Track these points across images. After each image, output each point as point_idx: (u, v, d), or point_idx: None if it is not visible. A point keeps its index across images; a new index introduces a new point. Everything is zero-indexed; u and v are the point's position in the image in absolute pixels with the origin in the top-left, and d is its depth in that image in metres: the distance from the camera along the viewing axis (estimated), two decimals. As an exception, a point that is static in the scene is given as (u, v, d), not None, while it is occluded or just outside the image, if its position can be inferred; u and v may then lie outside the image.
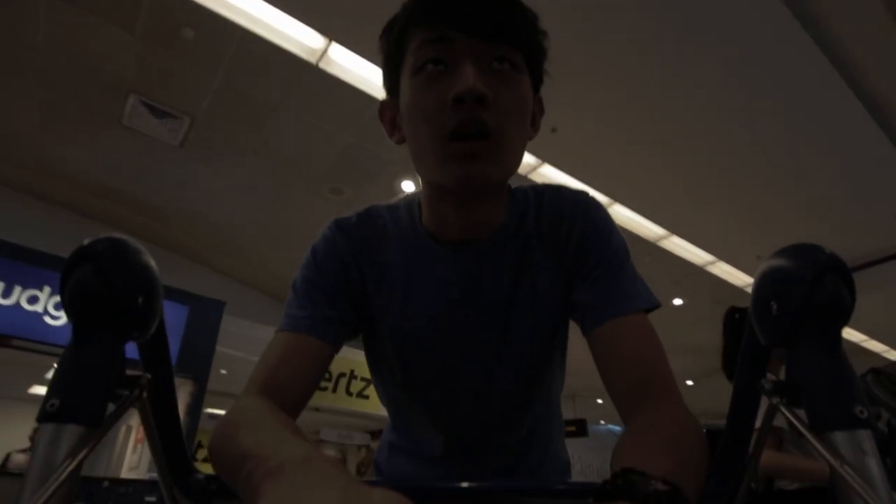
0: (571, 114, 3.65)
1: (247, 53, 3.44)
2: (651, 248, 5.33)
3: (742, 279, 5.78)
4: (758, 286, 0.43)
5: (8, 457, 4.50)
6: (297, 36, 3.28)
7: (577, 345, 0.67)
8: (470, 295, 0.61)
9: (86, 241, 0.39)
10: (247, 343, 5.26)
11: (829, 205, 4.55)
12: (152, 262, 0.42)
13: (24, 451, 4.49)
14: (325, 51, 3.36)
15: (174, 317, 5.26)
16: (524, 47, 0.53)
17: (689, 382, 9.10)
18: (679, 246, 5.40)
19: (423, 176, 0.57)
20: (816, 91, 3.40)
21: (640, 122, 3.75)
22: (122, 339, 0.40)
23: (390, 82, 0.58)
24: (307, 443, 0.36)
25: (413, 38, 0.53)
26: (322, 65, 3.46)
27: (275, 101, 3.91)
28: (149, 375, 0.42)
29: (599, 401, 9.68)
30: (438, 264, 0.60)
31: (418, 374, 0.65)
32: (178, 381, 5.43)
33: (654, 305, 0.57)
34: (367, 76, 3.49)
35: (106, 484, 4.04)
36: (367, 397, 6.87)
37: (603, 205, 0.64)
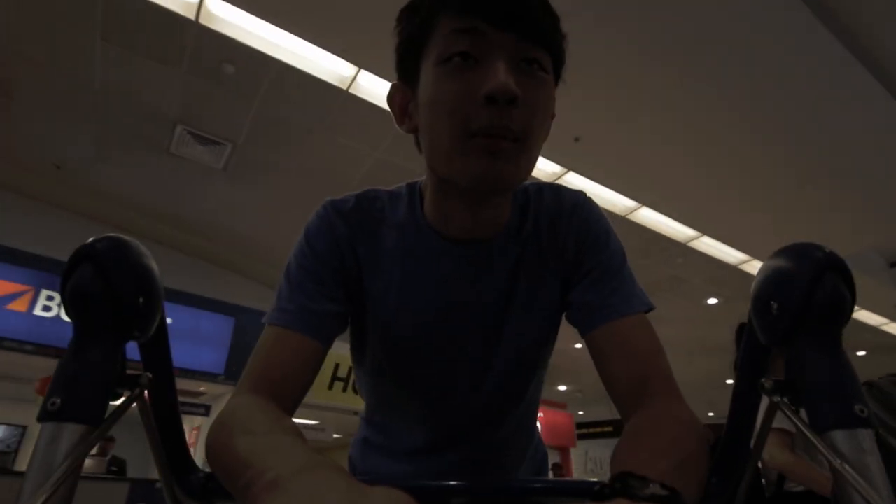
0: (594, 121, 3.62)
1: (282, 83, 3.65)
2: (683, 250, 5.24)
3: (778, 276, 5.66)
4: (758, 286, 0.42)
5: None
6: (328, 65, 3.47)
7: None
8: (470, 293, 0.59)
9: (87, 241, 0.39)
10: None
11: (867, 199, 4.32)
12: (153, 263, 0.43)
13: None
14: (353, 78, 3.53)
15: (221, 328, 5.47)
16: (552, 48, 0.50)
17: (730, 382, 8.70)
18: (711, 246, 5.29)
19: (434, 169, 0.54)
20: (849, 88, 3.26)
21: (663, 124, 3.67)
22: (122, 339, 0.40)
23: (407, 67, 0.54)
24: (303, 446, 0.35)
25: (440, 24, 0.49)
26: (352, 90, 3.62)
27: (308, 126, 4.08)
28: (149, 375, 0.42)
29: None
30: (440, 260, 0.58)
31: (412, 369, 0.63)
32: (225, 388, 5.57)
33: (650, 309, 0.56)
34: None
35: (159, 485, 4.17)
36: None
37: (599, 206, 0.63)
